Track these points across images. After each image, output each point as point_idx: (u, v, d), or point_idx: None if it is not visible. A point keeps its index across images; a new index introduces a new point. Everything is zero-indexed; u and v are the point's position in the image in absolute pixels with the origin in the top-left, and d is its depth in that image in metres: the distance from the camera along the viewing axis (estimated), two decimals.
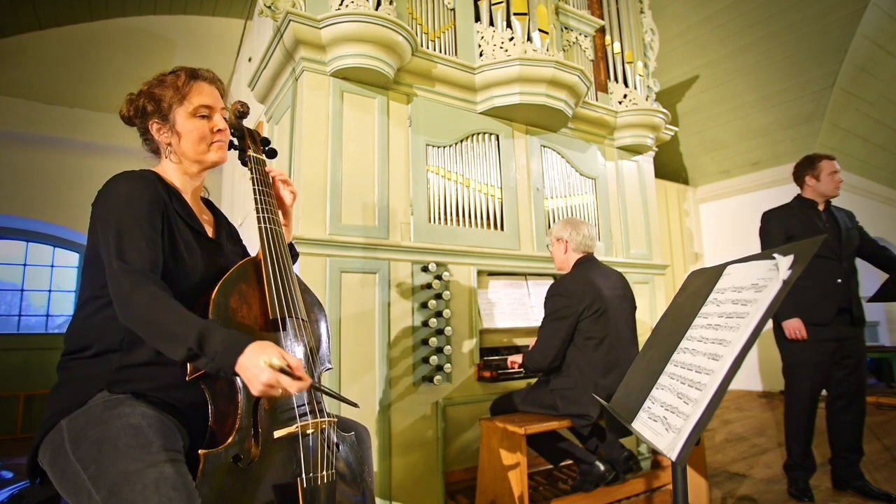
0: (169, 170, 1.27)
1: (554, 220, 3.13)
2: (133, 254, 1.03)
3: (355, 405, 1.08)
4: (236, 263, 1.22)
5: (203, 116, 1.24)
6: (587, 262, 2.41)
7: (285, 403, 1.11)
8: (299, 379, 0.96)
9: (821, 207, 2.72)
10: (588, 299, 2.23)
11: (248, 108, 1.44)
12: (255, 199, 1.33)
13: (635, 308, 2.44)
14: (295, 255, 1.53)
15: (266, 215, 1.30)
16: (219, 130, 1.27)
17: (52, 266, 6.27)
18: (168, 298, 1.01)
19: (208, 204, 1.42)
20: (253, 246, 1.38)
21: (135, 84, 1.29)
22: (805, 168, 2.76)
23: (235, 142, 1.43)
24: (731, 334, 1.03)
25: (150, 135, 1.26)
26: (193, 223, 1.24)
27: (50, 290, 6.23)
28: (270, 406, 1.09)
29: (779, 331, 2.67)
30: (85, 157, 5.82)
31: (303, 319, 1.21)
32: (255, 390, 0.95)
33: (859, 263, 2.70)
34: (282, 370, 0.94)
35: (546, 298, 2.36)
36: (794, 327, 2.57)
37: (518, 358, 2.50)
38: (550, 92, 2.83)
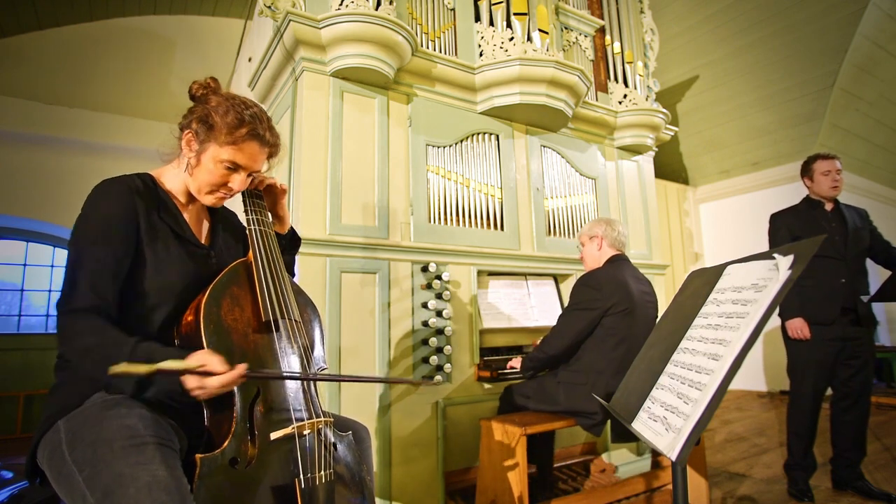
0: (173, 177, 1.27)
1: (554, 220, 3.13)
2: (79, 290, 1.05)
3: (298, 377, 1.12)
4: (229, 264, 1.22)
5: (229, 168, 1.22)
6: (620, 260, 2.38)
7: (281, 404, 1.11)
8: (210, 374, 0.97)
9: (828, 207, 2.71)
10: (617, 296, 2.20)
11: None
12: (244, 201, 1.33)
13: (657, 316, 2.43)
14: (297, 241, 1.53)
15: (254, 217, 1.30)
16: (230, 187, 1.24)
17: (52, 266, 6.27)
18: (105, 326, 1.02)
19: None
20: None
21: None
22: (802, 170, 2.79)
23: None
24: (732, 334, 1.03)
25: (180, 133, 1.24)
26: (182, 231, 1.23)
27: (50, 290, 6.23)
28: (266, 408, 1.08)
29: (785, 330, 2.67)
30: (85, 157, 5.81)
31: (296, 320, 1.21)
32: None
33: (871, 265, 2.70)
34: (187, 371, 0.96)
35: (575, 287, 2.32)
36: (796, 327, 2.57)
37: (517, 362, 2.48)
38: (550, 92, 2.82)
